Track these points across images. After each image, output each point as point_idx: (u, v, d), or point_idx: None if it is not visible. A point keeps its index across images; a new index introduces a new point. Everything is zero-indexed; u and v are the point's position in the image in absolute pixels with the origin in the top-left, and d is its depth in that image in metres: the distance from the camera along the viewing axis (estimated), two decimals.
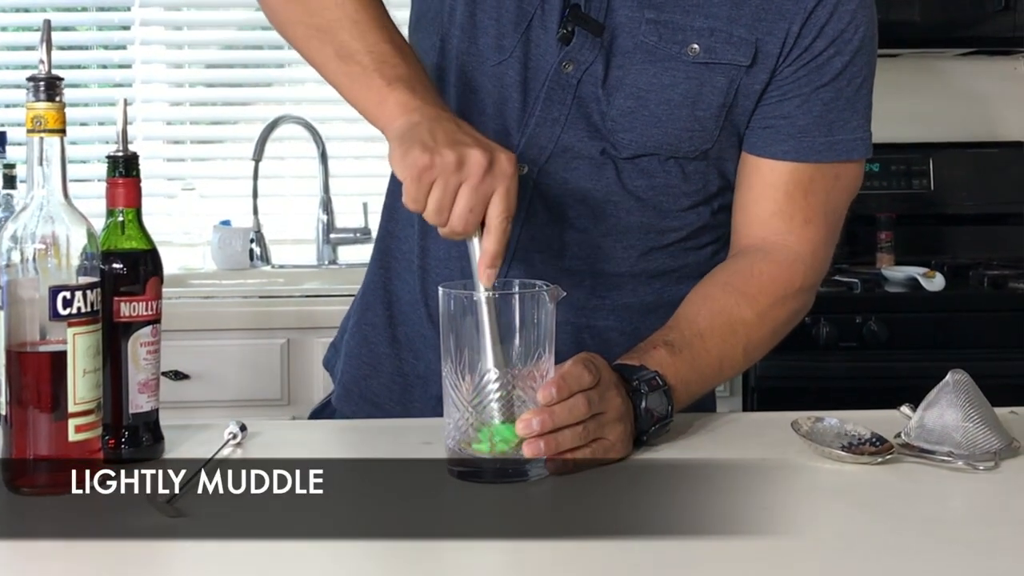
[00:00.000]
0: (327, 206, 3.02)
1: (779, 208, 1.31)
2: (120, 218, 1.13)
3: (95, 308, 1.06)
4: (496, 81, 1.30)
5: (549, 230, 1.31)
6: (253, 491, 1.08)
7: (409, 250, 1.39)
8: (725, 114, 1.29)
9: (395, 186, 1.43)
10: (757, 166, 1.32)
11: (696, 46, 1.27)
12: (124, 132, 1.15)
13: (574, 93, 1.28)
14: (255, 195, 2.96)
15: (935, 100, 3.12)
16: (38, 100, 1.05)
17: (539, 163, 1.30)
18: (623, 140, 1.29)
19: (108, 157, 1.14)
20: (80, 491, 1.04)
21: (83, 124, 3.16)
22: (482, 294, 1.09)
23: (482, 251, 1.10)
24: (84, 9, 3.15)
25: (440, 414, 1.14)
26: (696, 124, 1.28)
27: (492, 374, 1.07)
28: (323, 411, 1.51)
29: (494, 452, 1.07)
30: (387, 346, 1.41)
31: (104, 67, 3.21)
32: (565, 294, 1.11)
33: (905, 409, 1.25)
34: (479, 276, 1.10)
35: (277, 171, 3.11)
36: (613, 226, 1.32)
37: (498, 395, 1.08)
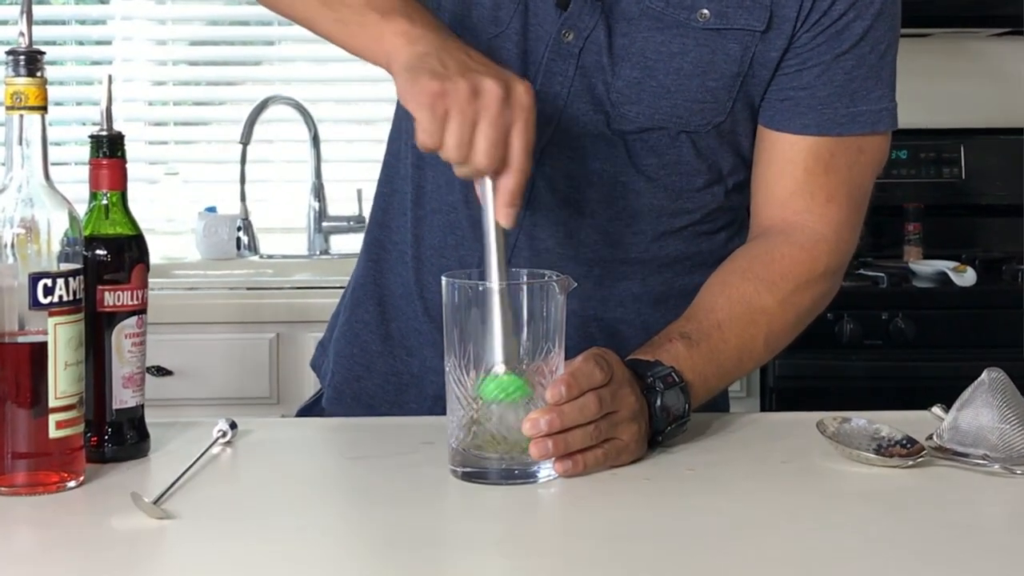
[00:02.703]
0: (319, 192, 3.02)
1: (799, 186, 1.31)
2: (104, 201, 1.13)
3: (77, 297, 1.06)
4: (492, 55, 1.29)
5: (554, 215, 1.31)
6: (244, 492, 1.08)
7: (402, 240, 1.39)
8: (739, 85, 1.29)
9: (387, 173, 1.43)
10: (775, 141, 1.32)
11: (706, 11, 1.26)
12: (108, 110, 1.15)
13: (576, 64, 1.28)
14: (242, 180, 2.96)
15: (967, 83, 3.12)
16: (18, 75, 1.05)
17: (542, 142, 1.30)
18: (629, 113, 1.28)
19: (91, 137, 1.14)
20: (61, 491, 1.05)
21: (59, 104, 3.16)
22: (494, 284, 1.08)
23: (501, 189, 1.08)
24: None
25: (436, 415, 1.14)
26: (708, 95, 1.28)
27: (500, 370, 1.07)
28: (311, 410, 1.51)
29: (499, 449, 1.07)
30: (380, 344, 1.41)
31: (82, 44, 3.21)
32: (576, 285, 1.11)
33: (937, 410, 1.26)
34: (497, 215, 1.08)
35: (266, 155, 3.11)
36: (623, 209, 1.32)
37: None
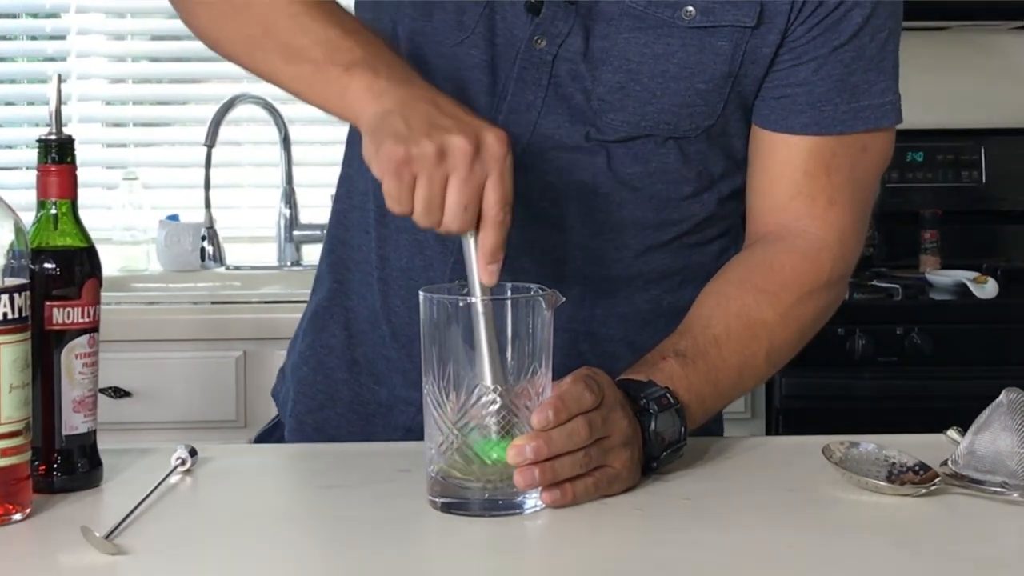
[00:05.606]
0: (290, 199, 3.02)
1: (798, 190, 1.31)
2: (53, 211, 1.13)
3: (23, 314, 1.06)
4: (456, 63, 1.29)
5: (530, 232, 1.31)
6: (204, 525, 1.08)
7: (364, 260, 1.39)
8: (731, 85, 1.29)
9: (345, 187, 1.43)
10: (771, 143, 1.32)
11: (691, 8, 1.26)
12: (58, 112, 1.15)
13: (550, 72, 1.28)
14: (207, 186, 2.95)
15: (987, 80, 3.13)
16: None
17: (514, 155, 1.30)
18: (613, 121, 1.29)
19: (39, 141, 1.14)
20: (5, 524, 1.04)
21: (9, 103, 3.16)
22: (478, 299, 1.08)
23: (480, 246, 1.10)
24: None
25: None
26: (697, 98, 1.28)
27: (490, 392, 1.07)
28: (270, 436, 1.51)
29: (482, 478, 1.07)
30: (345, 371, 1.41)
31: (34, 38, 3.21)
32: (564, 299, 1.11)
33: (952, 433, 1.26)
34: (480, 274, 1.10)
35: (232, 158, 3.12)
36: (604, 223, 1.32)
37: (497, 416, 1.07)
